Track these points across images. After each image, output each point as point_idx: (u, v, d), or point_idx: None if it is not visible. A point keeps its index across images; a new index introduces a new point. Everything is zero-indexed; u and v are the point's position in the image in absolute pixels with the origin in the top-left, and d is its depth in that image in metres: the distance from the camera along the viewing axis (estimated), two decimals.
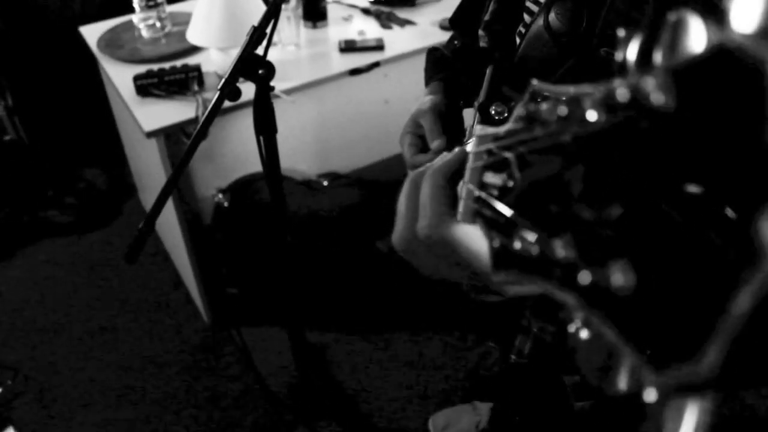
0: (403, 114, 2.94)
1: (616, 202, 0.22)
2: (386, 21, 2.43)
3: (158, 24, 2.24)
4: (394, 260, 2.47)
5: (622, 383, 0.21)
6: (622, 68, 0.25)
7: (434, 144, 0.97)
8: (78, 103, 3.03)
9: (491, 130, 0.36)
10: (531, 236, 0.27)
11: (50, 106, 3.10)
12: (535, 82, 0.32)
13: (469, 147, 0.39)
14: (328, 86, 2.16)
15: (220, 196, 2.22)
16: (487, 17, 0.91)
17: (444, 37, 2.36)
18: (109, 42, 2.24)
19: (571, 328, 0.24)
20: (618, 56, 0.25)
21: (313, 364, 2.27)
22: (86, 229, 2.86)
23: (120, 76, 2.04)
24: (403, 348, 2.33)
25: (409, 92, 2.64)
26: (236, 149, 2.24)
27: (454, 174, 0.45)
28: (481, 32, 0.93)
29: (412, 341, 2.35)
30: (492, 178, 0.34)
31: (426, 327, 2.38)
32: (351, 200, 2.58)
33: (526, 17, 0.86)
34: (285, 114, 2.12)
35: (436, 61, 1.13)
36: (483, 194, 0.35)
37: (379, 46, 2.23)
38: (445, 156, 0.46)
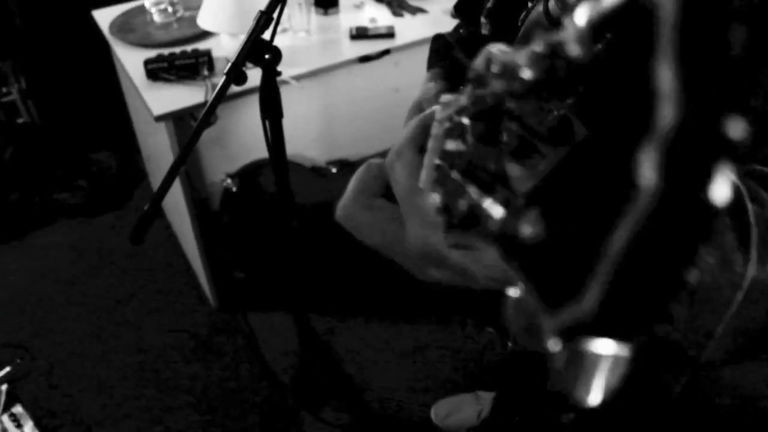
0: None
1: (536, 153, 0.23)
2: (398, 9, 2.42)
3: (170, 9, 2.25)
4: None
5: (544, 340, 0.22)
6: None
7: None
8: (91, 87, 3.05)
9: (452, 96, 0.36)
10: (472, 195, 0.28)
11: (63, 90, 3.12)
12: (490, 46, 0.32)
13: (436, 113, 0.38)
14: (338, 73, 2.16)
15: (229, 181, 2.23)
16: (489, 4, 0.91)
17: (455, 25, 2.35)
18: (122, 26, 2.24)
19: (509, 292, 0.24)
20: (552, 12, 0.26)
21: (318, 350, 2.28)
22: (97, 212, 2.89)
23: (131, 61, 2.04)
24: (408, 335, 2.34)
25: (419, 81, 2.64)
26: (245, 134, 2.25)
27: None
28: (483, 19, 0.93)
29: (418, 329, 2.35)
30: (450, 145, 0.34)
31: (432, 314, 2.39)
32: None
33: (529, 4, 0.85)
34: (294, 100, 2.12)
35: (439, 48, 1.13)
36: (442, 162, 0.35)
37: (389, 34, 2.23)
38: (407, 132, 0.46)
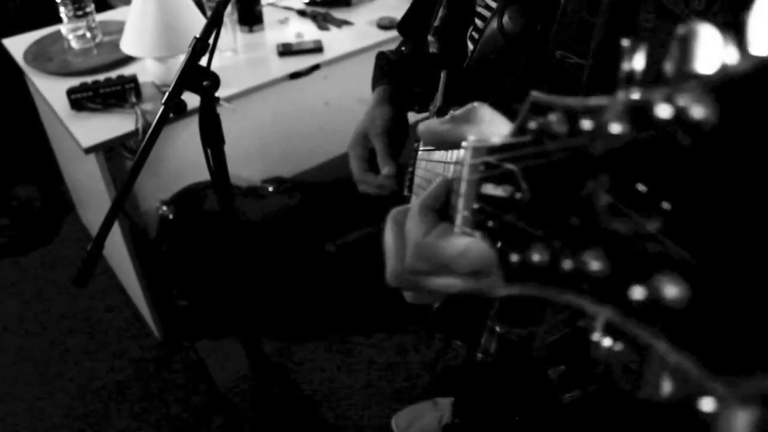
0: (343, 115, 2.93)
1: (653, 214, 0.22)
2: (323, 22, 2.41)
3: (88, 34, 2.17)
4: (343, 261, 2.45)
5: (668, 390, 0.21)
6: (629, 79, 0.25)
7: (385, 170, 0.99)
8: (5, 119, 2.90)
9: (486, 142, 0.36)
10: (551, 249, 0.27)
11: None
12: (534, 93, 0.32)
13: (463, 157, 0.38)
14: (267, 91, 2.14)
15: (165, 208, 2.17)
16: (437, 23, 0.92)
17: (382, 36, 2.36)
18: (37, 55, 2.15)
19: (594, 337, 0.24)
20: (624, 66, 0.25)
21: (271, 373, 2.24)
22: (24, 250, 2.75)
23: (51, 91, 1.96)
24: (360, 349, 2.33)
25: (349, 93, 2.63)
26: (178, 160, 2.19)
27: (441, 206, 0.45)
28: (430, 38, 0.93)
29: (369, 342, 2.35)
30: (493, 190, 0.34)
31: (381, 327, 2.39)
32: (297, 204, 2.56)
33: (477, 21, 0.87)
34: (226, 121, 2.08)
35: (383, 67, 1.13)
36: (484, 206, 0.35)
37: (317, 48, 2.22)
38: (429, 192, 0.45)
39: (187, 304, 2.34)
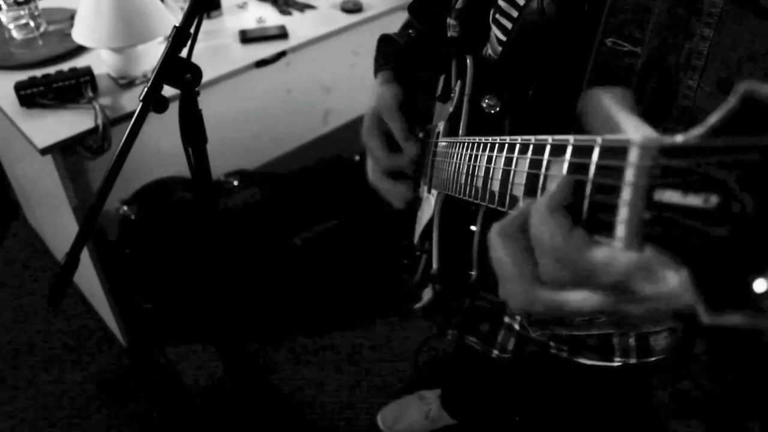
0: (307, 103, 2.81)
1: None
2: (284, 6, 2.30)
3: (32, 23, 2.00)
4: (312, 255, 2.37)
5: None
6: None
7: (408, 149, 0.91)
8: None
9: (658, 141, 0.30)
10: None
11: None
12: (748, 83, 0.25)
13: (631, 158, 0.32)
14: (228, 80, 2.02)
15: (125, 208, 2.03)
16: (459, 5, 0.85)
17: (347, 20, 2.26)
18: None
19: None
20: None
21: (247, 375, 2.15)
22: None
23: None
24: (340, 345, 2.26)
25: (312, 80, 2.53)
26: (138, 157, 2.04)
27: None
28: (451, 21, 0.86)
29: (348, 337, 2.28)
30: (681, 199, 0.28)
31: (360, 321, 2.32)
32: (264, 197, 2.45)
33: (502, 3, 0.79)
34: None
35: (388, 52, 1.05)
36: (661, 215, 0.29)
37: (282, 34, 2.11)
38: (555, 190, 0.38)
39: (153, 308, 2.21)
